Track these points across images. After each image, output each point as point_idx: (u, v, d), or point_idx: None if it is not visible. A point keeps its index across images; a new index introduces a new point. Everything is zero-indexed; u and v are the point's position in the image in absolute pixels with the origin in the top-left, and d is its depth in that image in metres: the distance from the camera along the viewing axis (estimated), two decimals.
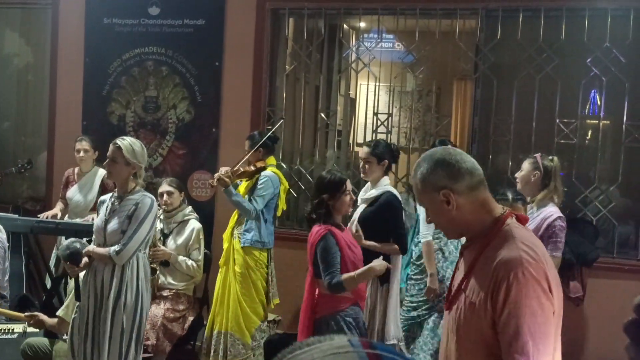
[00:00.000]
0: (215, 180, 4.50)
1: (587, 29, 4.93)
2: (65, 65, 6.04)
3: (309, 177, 5.57)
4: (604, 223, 4.90)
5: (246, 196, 4.68)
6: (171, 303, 4.72)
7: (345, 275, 3.31)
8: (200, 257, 4.85)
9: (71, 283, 4.05)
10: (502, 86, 5.17)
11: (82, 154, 5.34)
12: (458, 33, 5.26)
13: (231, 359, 4.65)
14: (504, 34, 5.11)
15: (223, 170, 4.55)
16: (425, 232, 4.17)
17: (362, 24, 6.03)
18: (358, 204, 4.17)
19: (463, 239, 2.07)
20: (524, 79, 5.10)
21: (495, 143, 5.14)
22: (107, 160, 3.66)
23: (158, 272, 4.75)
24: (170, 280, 4.79)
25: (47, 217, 5.31)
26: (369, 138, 5.60)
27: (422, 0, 5.26)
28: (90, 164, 5.42)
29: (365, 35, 5.94)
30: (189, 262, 4.79)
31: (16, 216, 5.42)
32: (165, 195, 4.84)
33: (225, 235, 4.84)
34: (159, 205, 4.94)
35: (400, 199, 4.15)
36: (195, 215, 4.96)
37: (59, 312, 4.04)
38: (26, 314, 4.12)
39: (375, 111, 5.53)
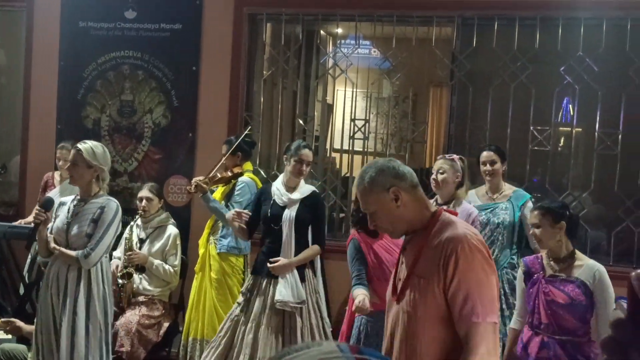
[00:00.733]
0: (193, 186, 4.47)
1: (561, 38, 5.01)
2: (40, 68, 5.97)
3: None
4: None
5: (223, 202, 4.66)
6: (146, 309, 4.68)
7: (355, 291, 3.41)
8: (177, 262, 4.83)
9: None
10: (478, 93, 5.23)
11: (61, 162, 5.24)
12: (434, 40, 5.31)
13: None
14: (480, 42, 5.17)
15: (197, 179, 4.52)
16: None
17: (340, 30, 6.07)
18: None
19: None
20: (499, 87, 5.17)
21: (471, 149, 5.20)
22: (69, 164, 3.67)
23: (133, 277, 4.71)
24: (145, 285, 4.76)
25: (22, 224, 5.24)
26: (346, 144, 5.64)
27: (399, 7, 5.30)
28: None
29: (343, 42, 5.97)
30: (166, 266, 4.76)
31: None
32: (144, 201, 4.82)
33: (201, 241, 4.82)
34: (136, 210, 4.93)
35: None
36: (173, 221, 4.94)
37: None
38: (2, 319, 4.06)
39: (352, 117, 5.56)
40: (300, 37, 5.61)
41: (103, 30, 5.83)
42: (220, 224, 4.65)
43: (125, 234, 4.85)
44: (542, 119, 5.12)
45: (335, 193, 5.66)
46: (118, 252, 4.86)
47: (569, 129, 5.25)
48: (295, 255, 4.05)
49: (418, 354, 2.05)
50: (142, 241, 4.82)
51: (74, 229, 3.61)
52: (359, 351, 0.71)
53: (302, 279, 4.07)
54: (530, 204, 4.31)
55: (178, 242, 4.86)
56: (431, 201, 3.58)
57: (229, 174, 4.66)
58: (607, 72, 5.01)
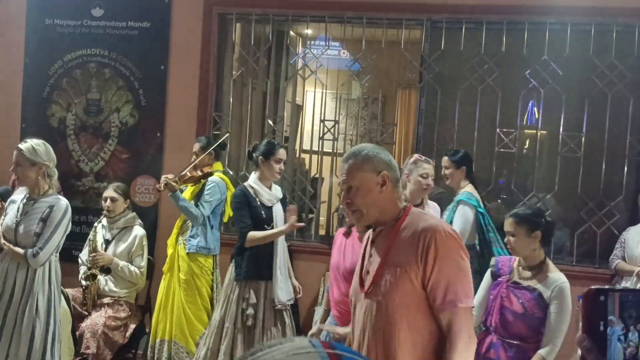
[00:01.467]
0: (162, 184, 4.44)
1: (527, 42, 5.10)
2: (4, 66, 5.85)
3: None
4: None
5: (192, 202, 4.64)
6: (112, 311, 4.63)
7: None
8: (143, 263, 4.79)
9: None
10: (446, 96, 5.29)
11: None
12: (403, 43, 5.35)
13: None
14: (448, 45, 5.24)
15: (166, 177, 4.50)
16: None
17: (310, 31, 6.08)
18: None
19: None
20: (467, 89, 5.24)
21: (439, 151, 5.25)
22: (13, 166, 3.66)
23: (98, 278, 4.66)
24: (111, 287, 4.70)
25: None
26: (315, 145, 5.64)
27: (369, 10, 5.33)
28: None
29: (313, 43, 5.98)
30: (132, 268, 4.72)
31: None
32: (108, 201, 4.77)
33: (170, 241, 4.78)
34: (101, 209, 4.87)
35: None
36: (140, 221, 4.89)
37: None
38: None
39: (322, 118, 5.57)
40: (270, 37, 5.61)
41: (69, 27, 5.75)
42: (190, 224, 4.63)
43: (90, 235, 4.80)
44: (508, 122, 5.20)
45: (305, 194, 5.67)
46: (84, 255, 4.80)
47: (534, 131, 5.34)
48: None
49: (396, 342, 2.06)
50: (107, 242, 4.78)
51: (22, 228, 3.62)
52: (331, 346, 0.72)
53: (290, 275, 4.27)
54: (460, 206, 4.36)
55: (144, 242, 4.82)
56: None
57: (199, 173, 4.64)
58: (571, 76, 5.12)
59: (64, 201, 3.70)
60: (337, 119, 5.61)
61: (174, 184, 4.42)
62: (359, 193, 2.15)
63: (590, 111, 5.06)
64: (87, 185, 5.70)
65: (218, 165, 4.86)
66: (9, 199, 3.87)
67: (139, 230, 4.82)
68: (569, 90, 5.09)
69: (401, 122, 7.41)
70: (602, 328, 1.02)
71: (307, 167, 6.58)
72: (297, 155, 6.10)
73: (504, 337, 3.17)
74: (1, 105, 5.87)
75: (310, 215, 5.87)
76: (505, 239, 3.32)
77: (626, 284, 4.48)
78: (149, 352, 4.72)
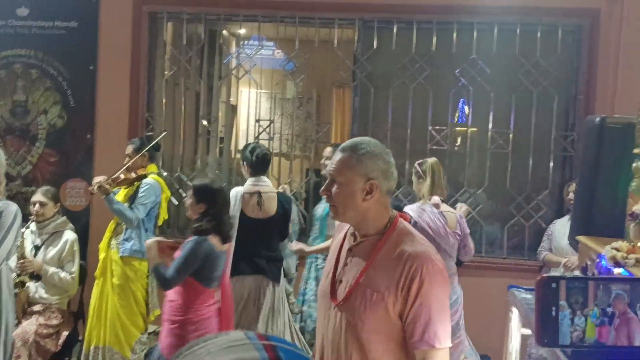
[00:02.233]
0: (95, 187, 4.34)
1: (456, 41, 5.23)
2: None
3: (190, 184, 5.49)
4: (472, 224, 5.21)
5: (126, 204, 4.54)
6: (44, 318, 4.50)
7: None
8: (75, 269, 4.66)
9: None
10: (379, 94, 5.37)
11: None
12: (336, 42, 5.40)
13: None
14: (380, 44, 5.32)
15: (99, 179, 4.39)
16: None
17: (243, 31, 6.05)
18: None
19: None
20: (399, 88, 5.33)
21: None
22: None
23: (27, 285, 4.51)
24: (42, 294, 4.56)
25: None
26: None
27: (302, 9, 5.35)
28: None
29: (246, 42, 5.96)
30: (62, 274, 4.58)
31: None
32: (37, 205, 4.62)
33: (102, 245, 4.67)
34: (30, 214, 4.71)
35: None
36: (71, 225, 4.76)
37: None
38: None
39: (257, 118, 5.56)
40: (202, 36, 5.56)
41: None
42: (123, 227, 4.53)
43: (17, 242, 4.63)
44: (439, 119, 5.32)
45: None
46: (12, 262, 4.64)
47: (465, 128, 5.48)
48: None
49: None
50: (37, 248, 4.63)
51: None
52: (265, 338, 0.73)
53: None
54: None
55: (76, 247, 4.69)
56: None
57: (133, 175, 4.55)
58: (498, 75, 5.28)
59: (14, 206, 3.53)
60: (272, 118, 5.61)
61: (107, 186, 4.32)
62: (341, 191, 1.95)
63: (517, 108, 5.23)
64: (14, 190, 5.51)
65: (152, 168, 4.78)
66: None
67: (70, 235, 4.69)
68: (497, 88, 5.25)
69: (337, 121, 7.46)
70: (554, 313, 1.09)
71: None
72: (233, 156, 6.06)
73: None
74: None
75: None
76: None
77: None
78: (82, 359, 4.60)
